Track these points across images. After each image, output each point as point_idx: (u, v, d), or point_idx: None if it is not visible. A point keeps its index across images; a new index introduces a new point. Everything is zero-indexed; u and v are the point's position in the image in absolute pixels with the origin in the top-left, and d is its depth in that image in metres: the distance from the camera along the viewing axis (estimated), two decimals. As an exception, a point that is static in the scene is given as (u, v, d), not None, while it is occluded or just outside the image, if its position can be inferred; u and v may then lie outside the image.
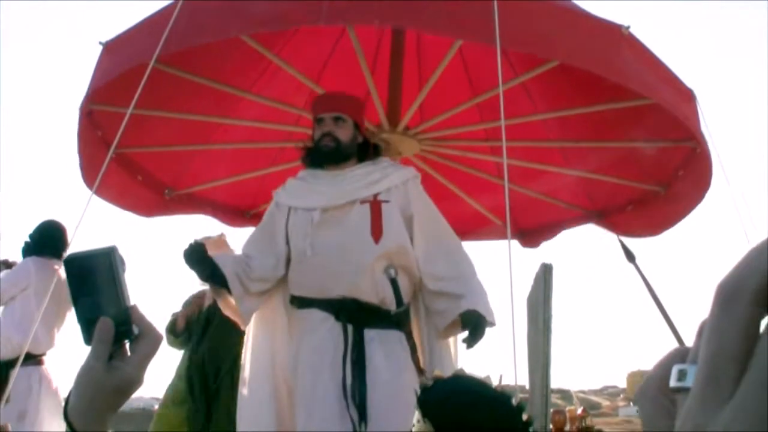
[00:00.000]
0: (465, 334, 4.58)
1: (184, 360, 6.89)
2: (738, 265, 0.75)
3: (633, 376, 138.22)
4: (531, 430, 2.14)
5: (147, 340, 1.44)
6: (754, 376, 0.70)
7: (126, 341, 1.44)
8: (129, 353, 1.43)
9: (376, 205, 4.72)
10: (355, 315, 4.61)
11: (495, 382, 2.17)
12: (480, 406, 2.15)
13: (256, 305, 4.85)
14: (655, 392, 1.03)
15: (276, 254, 4.85)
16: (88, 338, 1.43)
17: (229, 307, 4.80)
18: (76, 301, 1.46)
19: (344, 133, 4.90)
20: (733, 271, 0.75)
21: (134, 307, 1.45)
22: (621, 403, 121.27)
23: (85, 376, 1.38)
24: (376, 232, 4.65)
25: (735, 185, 5.81)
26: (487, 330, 4.59)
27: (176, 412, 6.63)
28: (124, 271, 1.47)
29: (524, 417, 2.14)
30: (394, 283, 4.65)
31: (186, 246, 4.64)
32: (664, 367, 0.99)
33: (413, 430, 2.15)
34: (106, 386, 1.38)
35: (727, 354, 0.79)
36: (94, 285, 1.45)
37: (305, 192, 4.93)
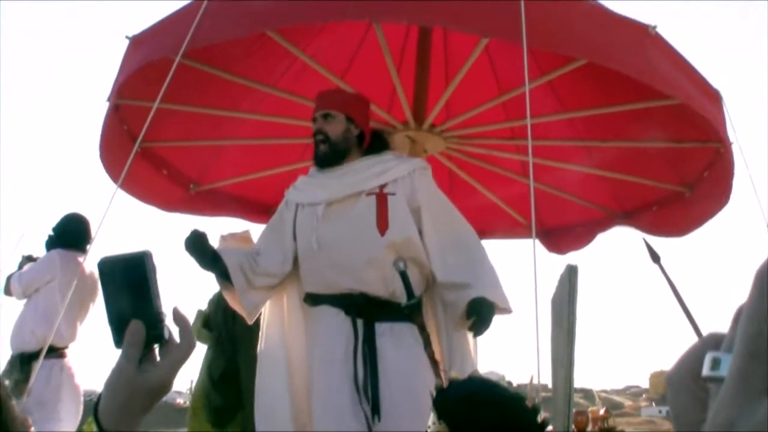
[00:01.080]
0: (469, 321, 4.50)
1: (207, 356, 6.92)
2: None
3: (655, 377, 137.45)
4: (546, 430, 2.15)
5: (180, 346, 1.47)
6: None
7: (157, 344, 1.46)
8: (158, 357, 1.46)
9: (382, 197, 4.73)
10: (365, 309, 4.63)
11: (514, 383, 2.19)
12: (494, 408, 2.16)
13: (263, 300, 4.91)
14: (686, 380, 1.01)
15: (283, 250, 4.90)
16: (118, 341, 1.45)
17: (234, 300, 4.83)
18: (108, 304, 1.48)
19: (333, 129, 4.90)
20: None
21: (176, 310, 1.49)
22: (643, 403, 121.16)
23: (116, 378, 1.41)
24: (382, 224, 4.65)
25: (759, 186, 5.81)
26: (501, 316, 4.58)
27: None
28: (156, 275, 1.48)
29: (539, 418, 2.14)
30: (403, 275, 4.61)
31: (188, 234, 4.66)
32: (697, 353, 0.97)
33: (429, 431, 2.18)
34: (137, 389, 1.41)
35: (765, 336, 0.78)
36: (127, 288, 1.47)
37: (311, 188, 4.98)
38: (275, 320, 5.02)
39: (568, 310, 3.74)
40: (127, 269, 1.47)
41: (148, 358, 1.45)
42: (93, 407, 1.42)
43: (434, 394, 2.25)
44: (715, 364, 0.91)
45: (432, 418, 2.20)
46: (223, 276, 4.71)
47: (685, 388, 1.00)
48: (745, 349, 0.79)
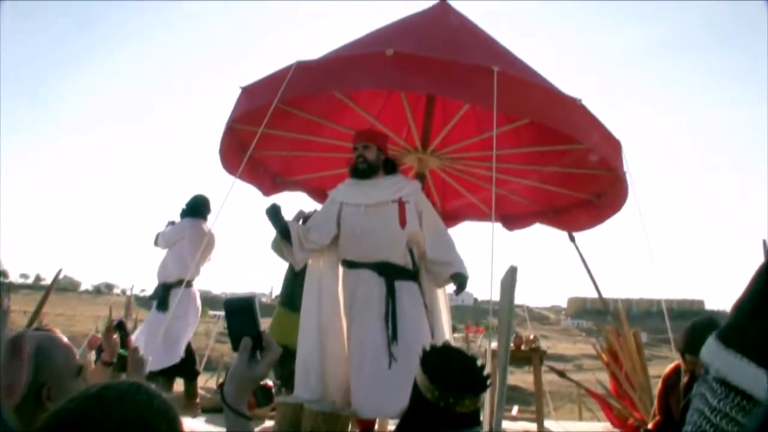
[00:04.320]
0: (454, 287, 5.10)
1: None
2: None
3: (571, 299, 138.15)
4: (488, 382, 2.31)
5: (271, 352, 1.60)
6: None
7: (258, 352, 1.59)
8: (260, 359, 1.59)
9: (401, 205, 5.11)
10: (390, 272, 5.02)
11: (469, 352, 2.35)
12: (457, 365, 2.32)
13: (307, 257, 5.21)
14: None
15: (327, 231, 5.20)
16: (235, 348, 1.58)
17: (289, 253, 5.13)
18: (230, 326, 1.60)
19: (370, 155, 5.25)
20: None
21: (264, 332, 1.61)
22: (562, 317, 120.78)
23: (234, 372, 1.57)
24: (402, 221, 5.06)
25: (640, 200, 5.97)
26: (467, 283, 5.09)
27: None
28: (258, 310, 1.62)
29: (485, 373, 2.32)
30: (411, 252, 5.13)
31: (269, 205, 5.10)
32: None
33: (416, 378, 2.32)
34: (246, 379, 1.56)
35: None
36: (241, 316, 1.60)
37: (353, 193, 5.28)
38: (313, 277, 5.31)
39: (510, 290, 3.90)
40: (241, 305, 1.61)
41: (254, 360, 1.57)
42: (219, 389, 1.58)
43: (421, 354, 2.40)
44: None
45: (418, 370, 2.36)
46: (285, 237, 5.05)
47: None
48: None
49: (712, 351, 0.77)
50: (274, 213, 5.05)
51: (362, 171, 5.22)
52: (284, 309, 6.68)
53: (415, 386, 2.30)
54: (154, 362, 6.58)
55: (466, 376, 2.27)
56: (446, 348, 2.49)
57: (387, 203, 5.09)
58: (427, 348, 2.42)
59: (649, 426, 4.95)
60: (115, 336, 3.10)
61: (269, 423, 6.06)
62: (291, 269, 6.60)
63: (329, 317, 5.12)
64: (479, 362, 2.36)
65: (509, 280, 3.89)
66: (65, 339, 2.24)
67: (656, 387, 5.51)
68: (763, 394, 0.68)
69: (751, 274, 0.79)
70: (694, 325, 3.89)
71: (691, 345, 3.78)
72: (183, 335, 6.90)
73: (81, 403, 1.39)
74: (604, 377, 7.53)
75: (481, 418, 2.37)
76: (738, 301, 0.79)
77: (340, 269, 5.24)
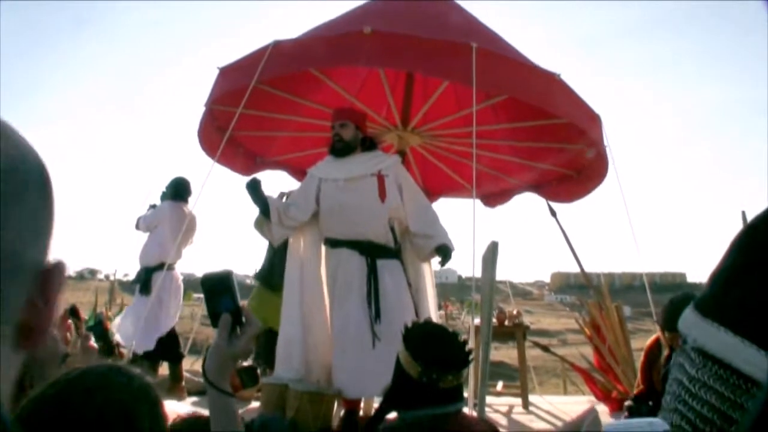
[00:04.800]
0: (438, 259, 5.05)
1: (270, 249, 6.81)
2: None
3: (554, 275, 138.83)
4: (470, 358, 2.33)
5: (251, 326, 1.56)
6: None
7: (238, 327, 1.55)
8: (240, 334, 1.54)
9: (381, 178, 5.07)
10: (371, 250, 4.99)
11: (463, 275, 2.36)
12: (440, 341, 2.33)
13: (286, 234, 5.20)
14: None
15: (306, 208, 5.17)
16: (215, 324, 1.54)
17: (268, 230, 5.11)
18: (208, 303, 1.57)
19: (347, 133, 5.19)
20: None
21: (243, 307, 1.58)
22: (545, 292, 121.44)
23: (214, 349, 1.53)
24: (382, 195, 5.02)
25: (621, 175, 6.02)
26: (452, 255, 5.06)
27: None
28: (236, 285, 1.59)
29: (467, 348, 2.34)
30: (392, 229, 5.10)
31: (249, 179, 5.06)
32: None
33: (399, 355, 2.33)
34: (226, 355, 1.52)
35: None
36: (219, 293, 1.56)
37: (331, 169, 5.22)
38: (295, 256, 5.30)
39: (491, 266, 3.91)
40: (218, 282, 1.57)
41: (234, 335, 1.53)
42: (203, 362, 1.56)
43: (403, 331, 2.41)
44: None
45: (401, 346, 2.37)
46: (265, 213, 5.03)
47: None
48: None
49: (689, 321, 0.78)
50: (253, 187, 5.01)
51: (339, 149, 5.17)
52: (262, 288, 6.69)
53: (398, 363, 2.31)
54: (137, 346, 6.57)
55: (448, 352, 2.29)
56: (428, 325, 2.51)
57: (365, 177, 5.05)
58: (409, 325, 2.44)
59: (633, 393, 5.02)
60: (69, 321, 3.07)
61: (255, 404, 6.06)
62: (271, 247, 6.57)
63: (312, 297, 5.12)
64: (461, 338, 2.39)
65: (490, 255, 3.90)
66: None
67: (639, 360, 5.57)
68: (740, 362, 0.69)
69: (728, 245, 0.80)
70: (672, 302, 3.93)
71: (669, 322, 3.82)
72: (163, 320, 6.87)
73: (61, 387, 1.38)
74: (588, 351, 7.58)
75: (465, 394, 2.39)
76: (714, 272, 0.79)
77: (323, 248, 5.23)
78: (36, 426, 1.32)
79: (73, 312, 7.93)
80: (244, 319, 1.56)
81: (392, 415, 2.42)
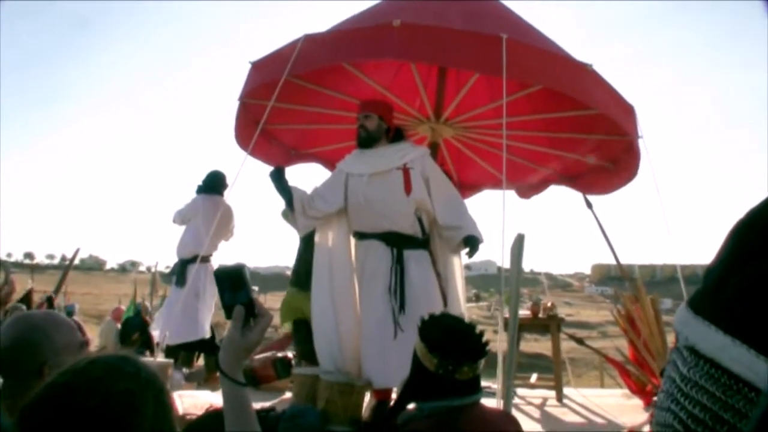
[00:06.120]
0: (466, 249, 5.02)
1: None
2: None
3: (595, 266, 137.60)
4: (486, 349, 2.32)
5: (263, 319, 1.59)
6: None
7: (252, 319, 1.57)
8: (253, 326, 1.57)
9: (406, 171, 5.09)
10: (398, 241, 5.03)
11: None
12: (455, 333, 2.34)
13: (310, 225, 5.25)
14: None
15: (332, 201, 5.22)
16: (228, 316, 1.58)
17: (292, 219, 5.18)
18: (222, 295, 1.60)
19: (370, 124, 5.24)
20: None
21: (256, 299, 1.59)
22: (586, 284, 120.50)
23: (228, 341, 1.55)
24: (408, 188, 5.05)
25: (656, 167, 5.94)
26: (480, 246, 5.02)
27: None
28: (249, 278, 1.61)
29: (483, 340, 2.34)
30: (420, 220, 5.12)
31: (272, 168, 5.14)
32: None
33: (415, 347, 2.34)
34: (240, 346, 1.54)
35: None
36: (232, 285, 1.58)
37: (357, 163, 5.27)
38: (323, 249, 5.34)
39: (518, 259, 3.90)
40: (232, 275, 1.59)
41: (247, 327, 1.55)
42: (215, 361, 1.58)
43: (420, 324, 2.42)
44: None
45: (417, 339, 2.38)
46: (289, 202, 5.10)
47: None
48: None
49: (682, 318, 0.75)
50: (277, 176, 5.08)
51: (363, 140, 5.24)
52: (294, 289, 6.53)
53: (415, 355, 2.33)
54: (171, 337, 6.67)
55: (464, 344, 2.29)
56: (444, 317, 2.51)
57: (391, 171, 5.08)
58: (426, 318, 2.45)
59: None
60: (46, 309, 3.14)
61: (288, 394, 6.12)
62: (302, 247, 6.59)
63: (342, 289, 5.17)
64: (477, 330, 2.39)
65: (516, 248, 3.89)
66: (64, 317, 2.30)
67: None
68: (730, 362, 0.67)
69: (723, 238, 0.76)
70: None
71: None
72: (200, 311, 6.96)
73: (70, 376, 1.42)
74: (625, 344, 7.52)
75: (494, 386, 2.41)
76: (709, 265, 0.76)
77: (352, 240, 5.28)
78: (44, 413, 1.36)
79: (49, 301, 7.96)
80: (257, 311, 1.58)
81: (411, 406, 2.43)
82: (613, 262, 7.00)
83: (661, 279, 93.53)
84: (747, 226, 0.74)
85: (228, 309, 1.58)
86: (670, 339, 6.80)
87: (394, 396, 5.16)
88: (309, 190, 5.31)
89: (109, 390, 1.39)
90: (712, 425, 0.68)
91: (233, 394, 1.53)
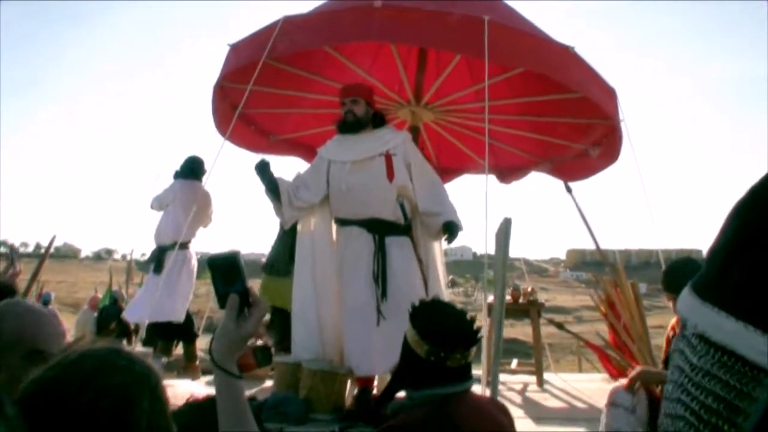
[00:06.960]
0: (446, 236, 5.02)
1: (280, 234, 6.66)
2: None
3: (570, 252, 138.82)
4: (479, 336, 2.27)
5: (259, 308, 1.51)
6: None
7: (246, 308, 1.50)
8: (248, 316, 1.50)
9: (388, 158, 5.05)
10: (380, 228, 5.00)
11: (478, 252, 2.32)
12: (447, 319, 2.28)
13: (296, 215, 5.19)
14: None
15: (317, 190, 5.16)
16: (222, 306, 1.50)
17: (278, 211, 5.12)
18: (215, 284, 1.52)
19: (359, 110, 5.17)
20: None
21: (251, 288, 1.53)
22: (561, 269, 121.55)
23: (222, 331, 1.48)
24: (390, 175, 5.00)
25: (637, 151, 5.93)
26: (459, 232, 5.05)
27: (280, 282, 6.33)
28: (243, 266, 1.53)
29: (475, 326, 2.28)
30: (402, 207, 5.08)
31: (258, 161, 5.04)
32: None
33: (406, 334, 2.28)
34: (234, 337, 1.47)
35: None
36: (226, 274, 1.51)
37: (340, 150, 5.20)
38: (306, 235, 5.31)
39: (504, 243, 3.85)
40: (226, 263, 1.52)
41: (242, 317, 1.49)
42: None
43: (410, 309, 2.37)
44: None
45: (408, 325, 2.32)
46: (275, 194, 5.02)
47: None
48: None
49: (688, 305, 0.72)
50: (262, 169, 5.00)
51: (350, 124, 5.15)
52: (269, 277, 6.59)
53: (405, 342, 2.26)
54: (151, 314, 6.57)
55: (455, 331, 2.23)
56: (436, 302, 2.46)
57: (373, 158, 5.03)
58: (417, 303, 2.39)
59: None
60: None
61: (269, 383, 6.06)
62: (281, 232, 6.53)
63: (323, 276, 5.12)
64: (469, 316, 2.33)
65: (503, 232, 3.84)
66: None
67: (655, 337, 5.50)
68: (744, 349, 0.64)
69: (725, 216, 0.73)
70: (672, 266, 3.84)
71: (671, 285, 3.72)
72: (179, 296, 6.86)
73: (61, 369, 1.36)
74: (604, 328, 7.53)
75: (478, 373, 2.36)
76: (711, 248, 0.72)
77: (333, 227, 5.22)
78: (34, 409, 1.28)
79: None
80: (251, 300, 1.51)
81: (401, 394, 2.38)
82: (588, 247, 7.04)
83: (636, 263, 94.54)
84: (749, 207, 0.71)
85: (222, 298, 1.51)
86: (649, 323, 6.82)
87: (376, 384, 5.14)
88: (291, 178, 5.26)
89: (102, 384, 1.33)
90: (726, 415, 0.65)
91: (227, 387, 1.45)
